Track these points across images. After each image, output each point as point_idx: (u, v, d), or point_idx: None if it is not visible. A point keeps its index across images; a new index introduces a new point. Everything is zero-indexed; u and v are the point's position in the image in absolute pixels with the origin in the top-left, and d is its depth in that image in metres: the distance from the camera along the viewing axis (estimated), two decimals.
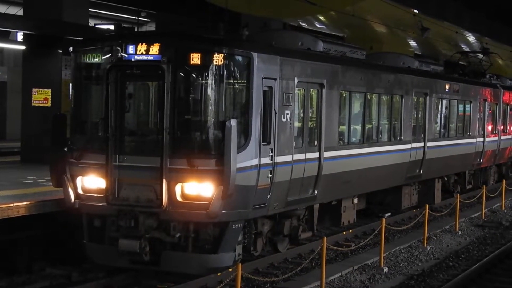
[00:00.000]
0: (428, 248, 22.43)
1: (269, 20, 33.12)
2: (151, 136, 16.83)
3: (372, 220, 25.56)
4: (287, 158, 17.96)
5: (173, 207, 16.29)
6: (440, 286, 17.96)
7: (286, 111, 17.83)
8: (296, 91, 18.32)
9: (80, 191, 17.12)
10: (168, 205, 16.28)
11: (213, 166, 16.00)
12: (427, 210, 23.06)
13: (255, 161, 16.67)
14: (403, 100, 24.79)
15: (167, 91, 16.19)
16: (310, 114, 19.31)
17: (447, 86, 29.26)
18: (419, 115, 26.58)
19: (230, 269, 16.83)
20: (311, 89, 19.24)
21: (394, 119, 24.38)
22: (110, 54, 16.68)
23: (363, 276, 18.69)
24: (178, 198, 16.30)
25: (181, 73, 16.35)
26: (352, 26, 39.54)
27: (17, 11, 35.76)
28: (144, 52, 16.44)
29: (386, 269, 19.33)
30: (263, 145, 16.96)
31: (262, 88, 16.84)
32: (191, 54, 16.13)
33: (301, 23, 40.55)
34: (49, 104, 26.51)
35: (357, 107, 22.27)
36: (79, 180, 17.12)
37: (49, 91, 26.40)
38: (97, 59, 16.94)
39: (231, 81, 16.48)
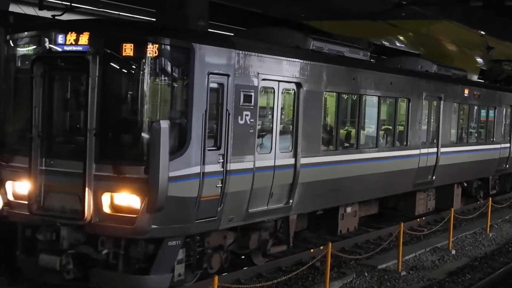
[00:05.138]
0: (490, 235, 22.05)
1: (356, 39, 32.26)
2: (79, 137, 12.30)
3: (387, 225, 21.61)
4: (246, 165, 13.38)
5: (100, 220, 11.93)
6: (500, 268, 17.56)
7: (246, 112, 13.25)
8: (261, 90, 13.75)
9: (10, 197, 12.88)
10: (94, 218, 11.91)
11: (142, 174, 11.56)
12: (490, 202, 22.56)
13: (195, 169, 12.16)
14: (410, 104, 19.81)
15: (92, 87, 11.81)
16: (283, 116, 14.66)
17: (466, 91, 24.08)
18: (432, 120, 21.53)
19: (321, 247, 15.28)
20: (284, 89, 14.59)
21: (397, 124, 19.44)
22: (38, 45, 12.39)
23: (434, 257, 18.40)
24: (106, 209, 11.93)
25: (109, 66, 11.96)
26: (426, 45, 37.99)
27: None
28: (73, 42, 12.08)
29: (453, 252, 19.05)
30: (209, 150, 12.44)
31: (208, 85, 12.31)
32: (121, 44, 11.74)
33: (383, 42, 39.02)
34: None
35: (348, 110, 17.48)
36: (8, 185, 12.89)
37: None
38: (25, 50, 12.72)
39: (168, 76, 12.04)
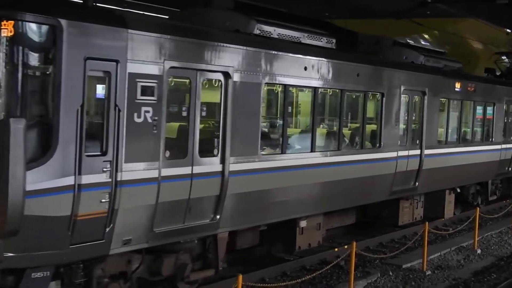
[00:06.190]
0: None
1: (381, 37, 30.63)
2: None
3: (362, 237, 19.29)
4: (147, 174, 10.75)
5: None
6: None
7: (145, 108, 10.62)
8: (169, 81, 11.12)
9: None
10: None
11: None
12: None
13: (67, 180, 9.56)
14: (383, 99, 17.08)
15: None
16: (204, 113, 11.99)
17: (458, 85, 21.26)
18: (412, 118, 18.76)
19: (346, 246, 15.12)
20: (206, 79, 11.95)
21: (366, 122, 16.69)
22: None
23: (459, 256, 18.27)
24: None
25: None
26: (452, 43, 37.19)
27: None
28: None
29: (479, 251, 18.93)
30: (88, 156, 9.83)
31: (85, 73, 9.70)
32: None
33: (408, 40, 37.51)
34: None
35: (300, 106, 14.78)
36: None
37: None
38: None
39: (28, 61, 9.42)
